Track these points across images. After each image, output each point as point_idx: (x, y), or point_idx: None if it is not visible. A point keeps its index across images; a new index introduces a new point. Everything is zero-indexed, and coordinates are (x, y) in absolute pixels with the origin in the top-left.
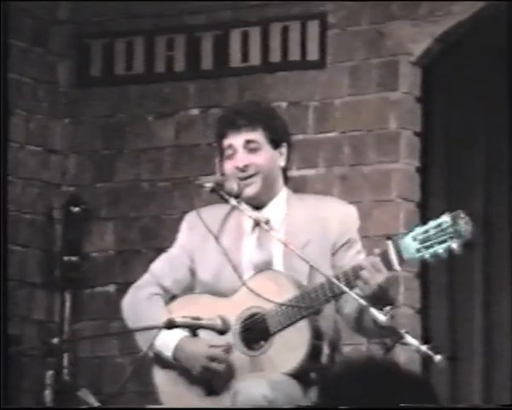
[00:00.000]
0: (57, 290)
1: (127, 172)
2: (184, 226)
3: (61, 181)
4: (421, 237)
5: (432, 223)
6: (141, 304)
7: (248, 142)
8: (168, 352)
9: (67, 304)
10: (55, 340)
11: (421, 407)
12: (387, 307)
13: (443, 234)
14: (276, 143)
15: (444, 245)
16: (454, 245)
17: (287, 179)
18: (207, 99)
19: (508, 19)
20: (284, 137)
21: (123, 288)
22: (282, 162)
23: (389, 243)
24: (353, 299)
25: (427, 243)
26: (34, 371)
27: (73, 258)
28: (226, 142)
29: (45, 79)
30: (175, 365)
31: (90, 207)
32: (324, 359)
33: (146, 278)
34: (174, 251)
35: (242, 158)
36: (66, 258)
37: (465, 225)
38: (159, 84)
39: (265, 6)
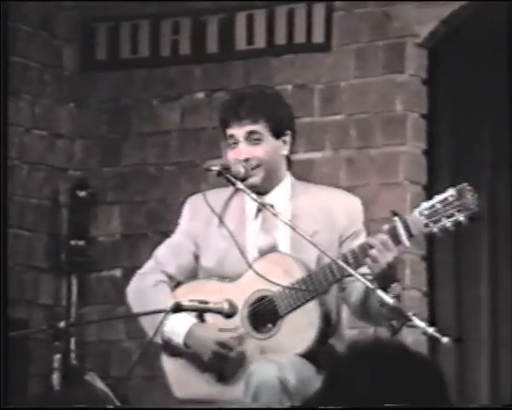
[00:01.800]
0: (64, 275)
1: (133, 157)
2: (187, 211)
3: (67, 165)
4: (427, 212)
5: (438, 197)
6: (147, 292)
7: (250, 133)
8: (179, 339)
9: (74, 288)
10: (62, 324)
11: (421, 407)
12: (395, 284)
13: (450, 208)
14: (279, 133)
15: (451, 219)
16: (461, 218)
17: (290, 165)
18: (213, 83)
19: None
20: (288, 125)
21: (129, 272)
22: (285, 151)
23: (396, 219)
24: (360, 284)
25: (435, 218)
26: (41, 354)
27: (80, 242)
28: (229, 131)
29: (51, 64)
30: (185, 351)
31: (96, 192)
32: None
33: (150, 265)
34: (178, 237)
35: (244, 150)
36: (72, 242)
37: (471, 197)
38: (164, 68)
39: None
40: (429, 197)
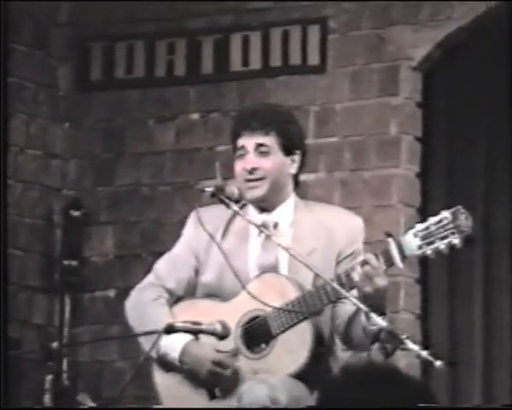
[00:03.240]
0: (57, 294)
1: (127, 177)
2: (191, 223)
3: (61, 185)
4: (422, 234)
5: (432, 219)
6: (145, 307)
7: (260, 145)
8: (175, 353)
9: (67, 308)
10: (55, 344)
11: (421, 407)
12: (381, 317)
13: (444, 230)
14: (288, 150)
15: (445, 241)
16: (455, 241)
17: (297, 186)
18: (208, 103)
19: (508, 24)
20: (298, 144)
21: (123, 292)
22: (292, 170)
23: (390, 240)
24: (346, 310)
25: (429, 240)
26: (34, 375)
27: (73, 262)
28: (239, 142)
29: (46, 83)
30: (180, 368)
31: (90, 212)
32: (328, 361)
33: (149, 279)
34: (179, 250)
35: (252, 160)
36: (66, 262)
37: (465, 220)
38: (159, 89)
39: (266, 10)
40: (423, 220)
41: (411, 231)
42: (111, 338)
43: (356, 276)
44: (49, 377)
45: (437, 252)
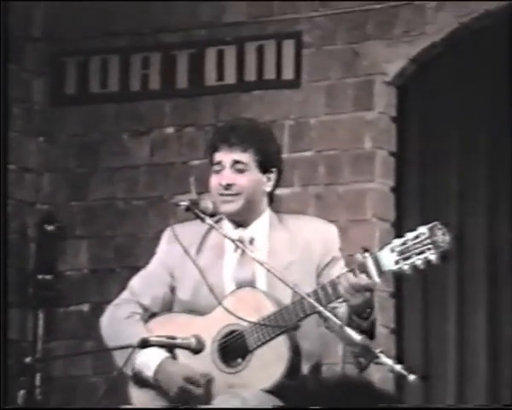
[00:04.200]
0: (30, 309)
1: (102, 191)
2: (164, 241)
3: (35, 199)
4: (399, 249)
5: (409, 235)
6: (120, 323)
7: (236, 162)
8: (149, 372)
9: (41, 323)
10: (28, 359)
11: (422, 406)
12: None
13: (420, 245)
14: (265, 168)
15: (421, 256)
16: (432, 256)
17: (272, 202)
18: (183, 118)
19: (481, 39)
20: (275, 162)
21: (97, 307)
22: (267, 188)
23: (367, 255)
24: (342, 312)
25: (405, 255)
26: (6, 390)
27: (47, 276)
28: (216, 156)
29: (20, 97)
30: (153, 385)
31: (64, 226)
32: (304, 377)
33: (125, 295)
34: (153, 267)
35: (228, 176)
36: (39, 276)
37: (442, 236)
38: (134, 103)
39: (241, 25)
40: (398, 234)
41: (388, 246)
42: (85, 353)
43: (341, 289)
44: (21, 393)
45: (414, 267)
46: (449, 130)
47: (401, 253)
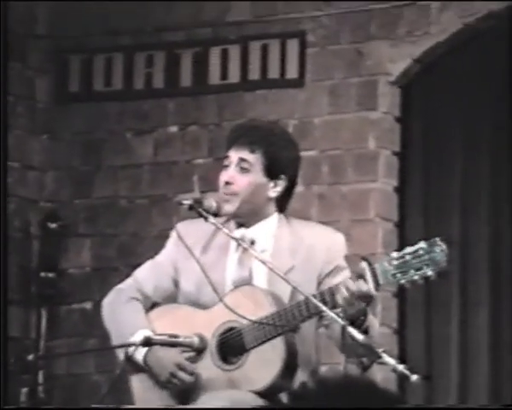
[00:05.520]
0: (33, 307)
1: (105, 189)
2: (174, 235)
3: (38, 197)
4: (397, 263)
5: (408, 249)
6: (120, 307)
7: (242, 160)
8: (139, 355)
9: (43, 321)
10: (31, 357)
11: (423, 406)
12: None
13: (419, 261)
14: (272, 173)
15: (419, 272)
16: (429, 273)
17: (282, 208)
18: (186, 116)
19: (486, 40)
20: (285, 169)
21: (99, 305)
22: (272, 194)
23: (365, 266)
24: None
25: (403, 269)
26: (9, 388)
27: (50, 274)
28: (228, 153)
29: (24, 95)
30: (146, 369)
31: (67, 224)
32: (299, 381)
33: (128, 281)
34: (160, 259)
35: (230, 175)
36: (42, 274)
37: (441, 252)
38: (137, 101)
39: (245, 24)
40: (400, 234)
41: (387, 259)
42: (87, 351)
43: (339, 298)
44: (24, 390)
45: (411, 282)
46: (452, 130)
47: (399, 266)
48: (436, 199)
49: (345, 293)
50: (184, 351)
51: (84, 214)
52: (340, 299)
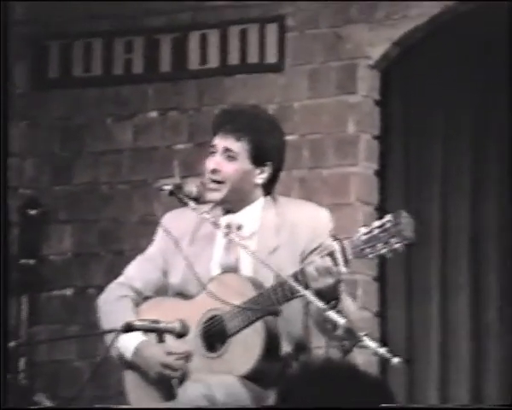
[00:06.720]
0: (14, 294)
1: (85, 175)
2: (162, 226)
3: (18, 183)
4: (365, 238)
5: (376, 223)
6: (111, 305)
7: (227, 149)
8: (128, 354)
9: (24, 307)
10: (12, 344)
11: (423, 406)
12: (333, 302)
13: (386, 234)
14: (258, 160)
15: (387, 245)
16: (396, 245)
17: (269, 192)
18: (166, 102)
19: (465, 23)
20: (270, 156)
21: (81, 291)
22: (259, 180)
23: (335, 243)
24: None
25: (371, 243)
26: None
27: (30, 261)
28: (214, 140)
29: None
30: (136, 368)
31: (47, 210)
32: (286, 359)
33: (120, 279)
34: (150, 252)
35: (216, 161)
36: (22, 261)
37: (407, 225)
38: (117, 87)
39: (224, 8)
40: (381, 217)
41: (356, 235)
42: (68, 337)
43: (308, 276)
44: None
45: (378, 256)
46: (432, 113)
47: (367, 241)
48: (416, 182)
49: (312, 271)
50: (166, 333)
51: (64, 201)
52: (309, 277)
